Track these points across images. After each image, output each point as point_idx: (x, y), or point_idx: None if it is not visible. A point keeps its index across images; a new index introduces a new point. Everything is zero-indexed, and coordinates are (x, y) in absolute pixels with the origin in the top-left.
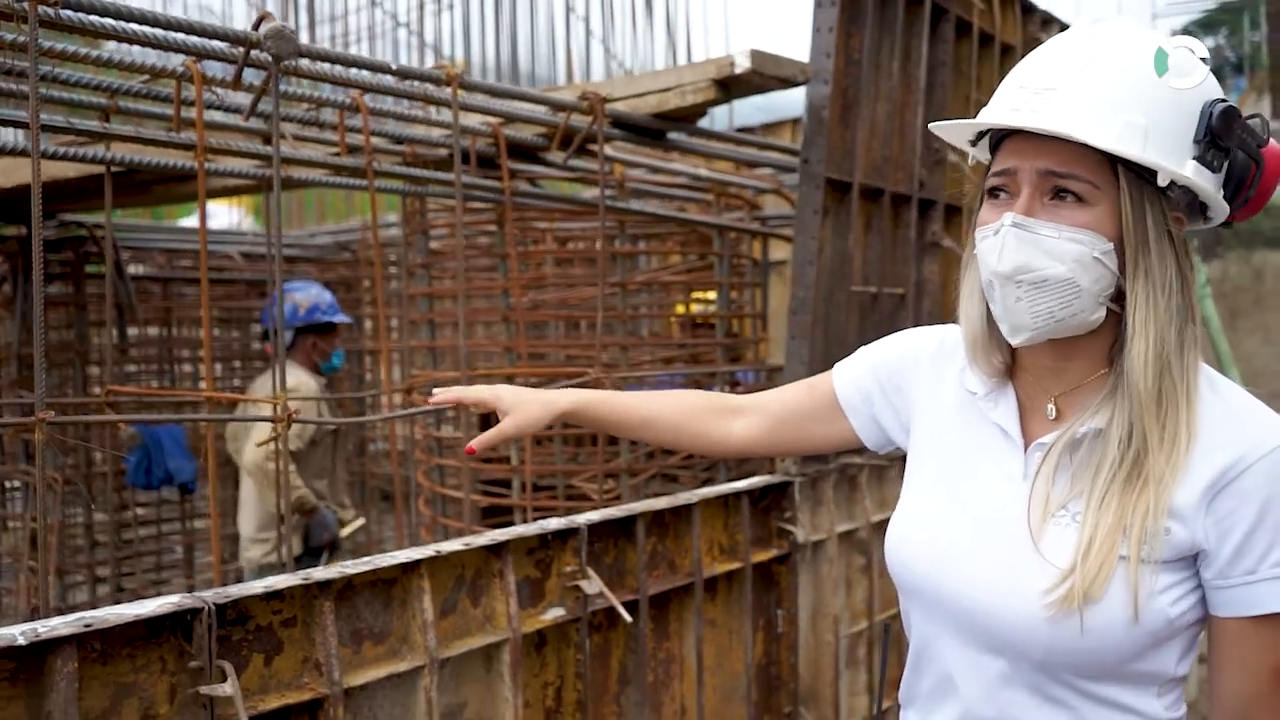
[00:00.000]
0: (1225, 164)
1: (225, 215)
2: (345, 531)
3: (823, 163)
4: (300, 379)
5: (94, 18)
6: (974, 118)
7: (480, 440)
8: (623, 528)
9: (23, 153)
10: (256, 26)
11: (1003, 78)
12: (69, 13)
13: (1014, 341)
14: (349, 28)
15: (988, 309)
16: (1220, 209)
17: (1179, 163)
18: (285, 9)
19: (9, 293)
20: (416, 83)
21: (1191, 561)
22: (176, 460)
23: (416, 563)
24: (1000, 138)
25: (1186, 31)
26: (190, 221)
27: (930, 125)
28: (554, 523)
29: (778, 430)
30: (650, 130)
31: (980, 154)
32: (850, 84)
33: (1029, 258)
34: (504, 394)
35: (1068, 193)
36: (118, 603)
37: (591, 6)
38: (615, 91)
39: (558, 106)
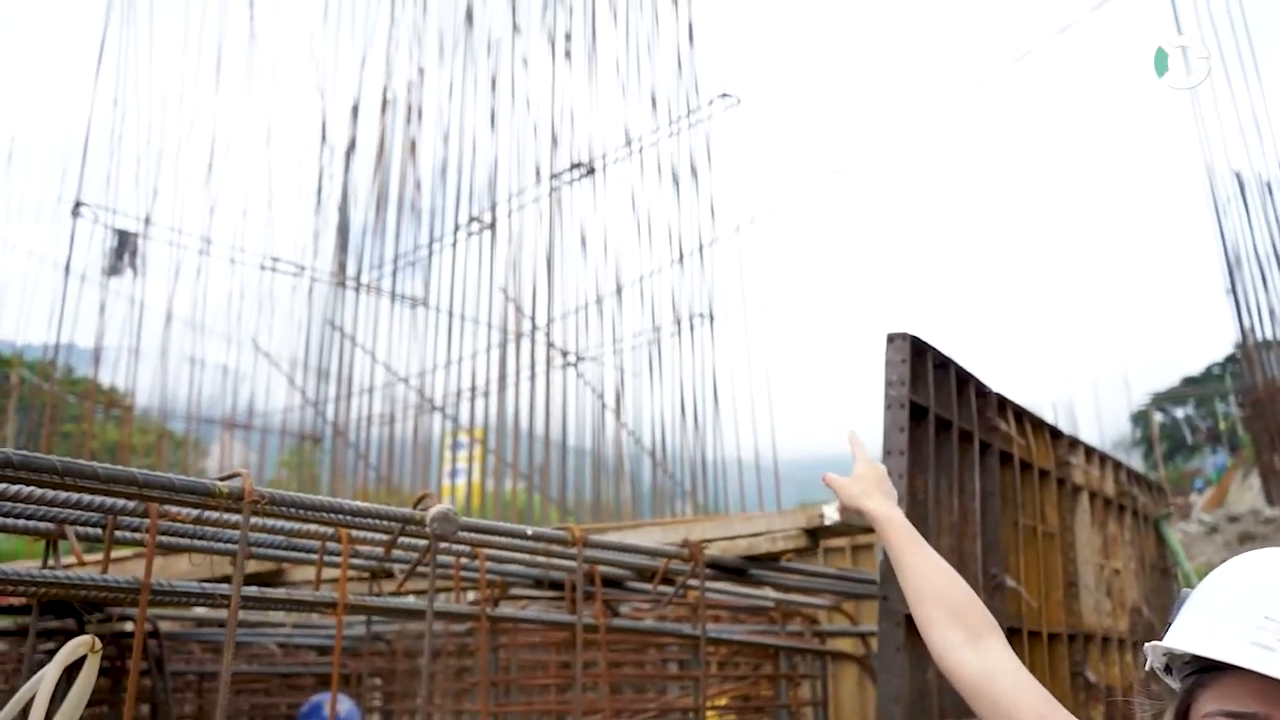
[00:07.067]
0: None
1: None
2: None
3: (901, 601)
4: None
5: (289, 509)
6: (1020, 539)
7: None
8: None
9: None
10: (417, 505)
11: (1041, 502)
12: (274, 506)
13: None
14: (376, 405)
15: None
16: None
17: None
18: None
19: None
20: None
21: None
22: None
23: None
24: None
25: (1159, 406)
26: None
27: (1148, 645)
28: None
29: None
30: (738, 568)
31: (1170, 679)
32: (917, 523)
33: None
34: (860, 472)
35: None
36: None
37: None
38: (708, 534)
39: (662, 555)
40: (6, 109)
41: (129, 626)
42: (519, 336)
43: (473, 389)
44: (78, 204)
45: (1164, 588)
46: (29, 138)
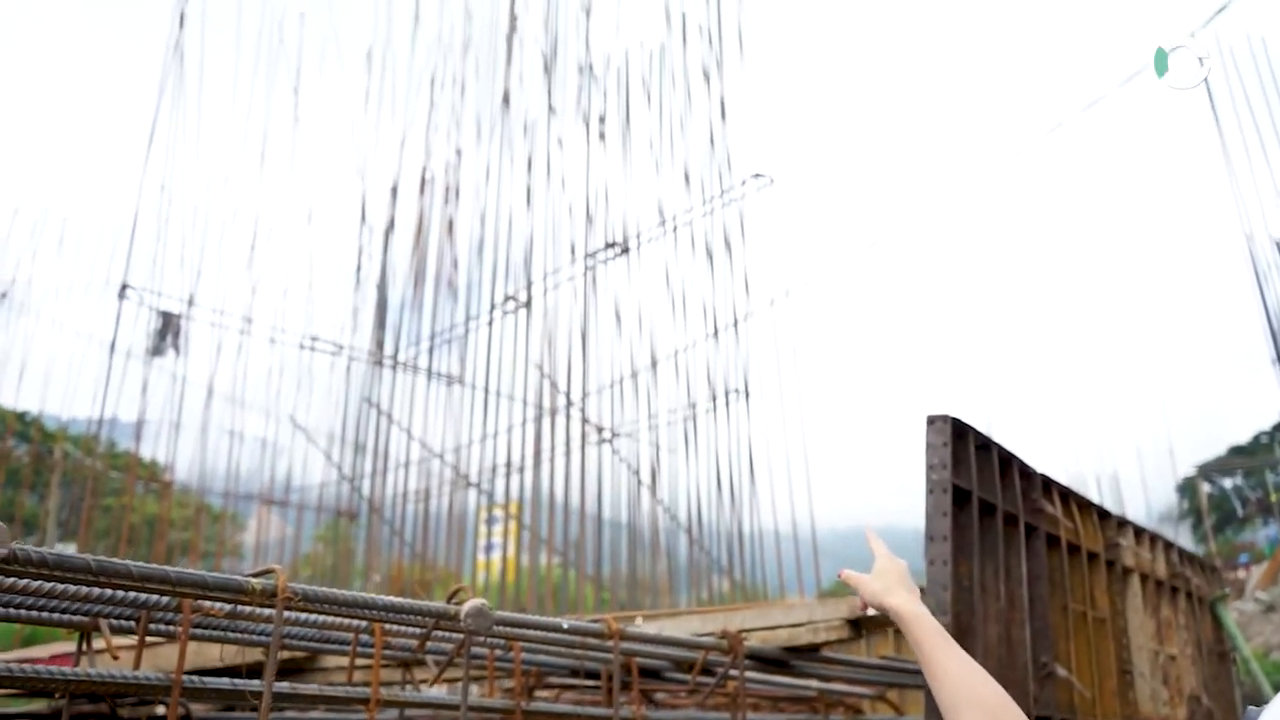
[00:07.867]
0: None
1: None
2: None
3: None
4: None
5: (326, 605)
6: (1070, 625)
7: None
8: None
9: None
10: (451, 598)
11: (1090, 585)
12: (306, 602)
13: None
14: (411, 481)
15: None
16: None
17: None
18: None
19: None
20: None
21: None
22: None
23: None
24: None
25: (1207, 477)
26: None
27: None
28: None
29: None
30: (778, 659)
31: None
32: (963, 610)
33: None
34: (882, 568)
35: None
36: None
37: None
38: (748, 623)
39: (700, 647)
40: (59, 194)
41: (161, 710)
42: (554, 412)
43: (508, 465)
44: (124, 286)
45: (1223, 673)
46: (79, 221)
